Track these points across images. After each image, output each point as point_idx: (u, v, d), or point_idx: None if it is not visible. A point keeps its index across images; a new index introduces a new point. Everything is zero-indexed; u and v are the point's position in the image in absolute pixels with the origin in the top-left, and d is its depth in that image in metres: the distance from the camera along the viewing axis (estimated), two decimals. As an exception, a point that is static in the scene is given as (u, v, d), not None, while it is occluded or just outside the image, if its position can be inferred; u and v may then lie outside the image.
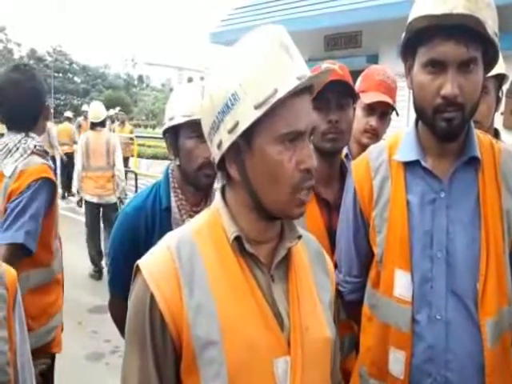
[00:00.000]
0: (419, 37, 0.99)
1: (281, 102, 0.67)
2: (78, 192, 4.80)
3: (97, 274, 4.78)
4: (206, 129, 0.76)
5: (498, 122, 4.78)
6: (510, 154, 1.08)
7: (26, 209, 1.48)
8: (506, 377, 1.03)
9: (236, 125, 0.69)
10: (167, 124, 1.35)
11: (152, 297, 0.71)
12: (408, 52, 1.05)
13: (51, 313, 1.66)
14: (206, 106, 0.74)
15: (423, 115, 1.03)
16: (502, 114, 5.08)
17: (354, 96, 1.40)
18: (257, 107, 0.67)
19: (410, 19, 1.00)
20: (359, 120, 1.64)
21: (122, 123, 9.41)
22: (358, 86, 1.71)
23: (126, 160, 8.54)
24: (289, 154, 0.70)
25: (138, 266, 0.74)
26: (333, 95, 1.30)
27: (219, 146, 0.73)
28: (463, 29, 0.93)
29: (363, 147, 1.47)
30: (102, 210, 4.70)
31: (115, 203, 4.64)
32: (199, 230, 0.77)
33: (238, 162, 0.73)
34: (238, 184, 0.75)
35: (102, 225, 4.87)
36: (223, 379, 0.69)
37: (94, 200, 4.59)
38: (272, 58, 0.68)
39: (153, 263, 0.73)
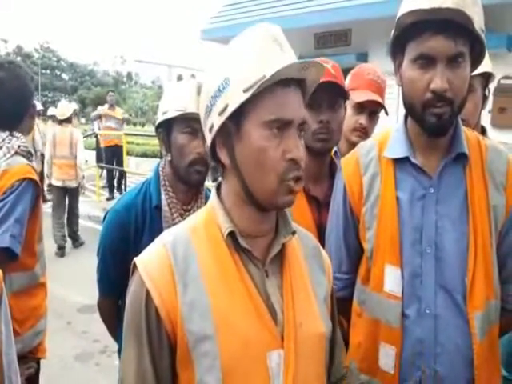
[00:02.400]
0: (408, 32, 1.00)
1: (269, 88, 0.70)
2: (47, 176, 5.53)
3: (60, 252, 5.38)
4: (202, 115, 0.79)
5: (487, 120, 4.87)
6: (496, 150, 1.09)
7: (11, 212, 1.46)
8: (492, 369, 1.05)
9: (226, 107, 0.72)
10: (160, 118, 1.34)
11: (148, 293, 0.72)
12: (397, 49, 1.05)
13: (37, 316, 1.62)
14: (202, 93, 0.78)
15: (413, 111, 1.04)
16: (489, 112, 5.15)
17: (345, 96, 1.40)
18: (245, 90, 0.70)
19: (399, 15, 1.01)
20: (349, 118, 1.65)
21: (112, 106, 8.28)
22: (347, 83, 1.72)
23: (118, 148, 7.80)
24: (275, 141, 0.72)
25: (135, 263, 0.76)
26: (325, 96, 1.30)
27: (211, 129, 0.76)
28: (451, 24, 0.94)
29: (352, 145, 1.48)
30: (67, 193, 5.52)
31: (76, 188, 5.50)
32: (195, 227, 0.79)
33: (228, 146, 0.75)
34: (229, 171, 0.77)
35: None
36: (217, 372, 0.71)
37: (59, 184, 5.43)
38: (263, 48, 0.72)
39: (149, 260, 0.75)
